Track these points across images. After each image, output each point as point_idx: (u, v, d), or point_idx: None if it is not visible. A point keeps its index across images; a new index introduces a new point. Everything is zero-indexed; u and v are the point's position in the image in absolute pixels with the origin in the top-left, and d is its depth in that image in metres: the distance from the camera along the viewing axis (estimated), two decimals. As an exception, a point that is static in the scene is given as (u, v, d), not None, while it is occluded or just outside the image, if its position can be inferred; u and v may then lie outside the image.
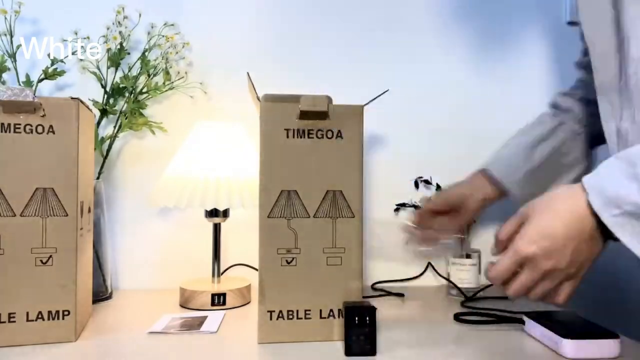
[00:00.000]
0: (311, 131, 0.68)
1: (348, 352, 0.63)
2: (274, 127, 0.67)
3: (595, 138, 0.83)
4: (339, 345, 0.65)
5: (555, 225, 0.55)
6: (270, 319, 0.67)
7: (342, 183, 0.68)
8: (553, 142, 0.84)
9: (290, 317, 0.67)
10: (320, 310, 0.68)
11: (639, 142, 0.60)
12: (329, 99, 0.68)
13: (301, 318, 0.67)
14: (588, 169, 0.86)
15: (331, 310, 0.68)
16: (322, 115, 0.67)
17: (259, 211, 0.67)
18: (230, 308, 0.85)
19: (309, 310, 0.68)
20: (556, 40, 1.09)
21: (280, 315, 0.67)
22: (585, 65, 0.83)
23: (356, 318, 0.63)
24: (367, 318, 0.63)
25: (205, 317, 0.79)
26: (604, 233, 0.54)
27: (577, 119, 0.85)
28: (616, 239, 0.53)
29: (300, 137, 0.68)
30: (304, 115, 0.67)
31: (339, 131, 0.68)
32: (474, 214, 0.87)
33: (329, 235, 0.68)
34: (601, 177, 0.54)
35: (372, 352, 0.63)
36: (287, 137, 0.67)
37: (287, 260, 0.67)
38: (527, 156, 0.83)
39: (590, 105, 0.80)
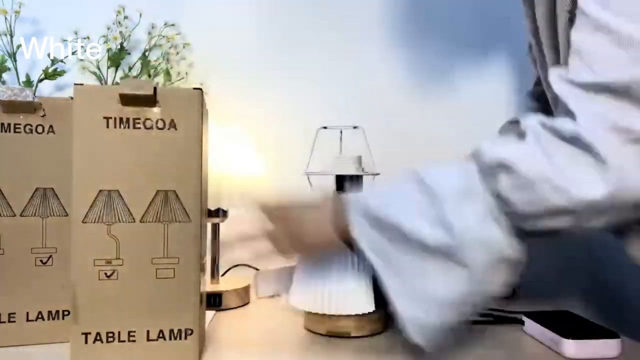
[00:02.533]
0: (137, 121, 0.57)
1: None
2: (90, 115, 0.56)
3: None
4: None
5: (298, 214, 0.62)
6: (86, 342, 0.55)
7: (175, 182, 0.58)
8: None
9: (111, 339, 0.56)
10: (148, 332, 0.57)
11: None
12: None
13: (124, 341, 0.56)
14: None
15: (161, 332, 0.57)
16: (149, 101, 0.56)
17: (71, 215, 0.56)
18: (226, 309, 0.85)
19: (134, 331, 0.57)
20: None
21: (98, 337, 0.56)
22: (537, 96, 0.84)
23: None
24: None
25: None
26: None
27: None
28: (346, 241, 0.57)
29: (124, 128, 0.57)
30: (126, 100, 0.56)
31: (172, 121, 0.58)
32: None
33: (159, 243, 0.57)
34: (366, 191, 0.62)
35: None
36: (107, 126, 0.56)
37: (106, 274, 0.56)
38: None
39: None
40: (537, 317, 0.70)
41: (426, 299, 0.50)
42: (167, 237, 0.58)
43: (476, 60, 1.09)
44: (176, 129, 0.58)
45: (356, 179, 0.79)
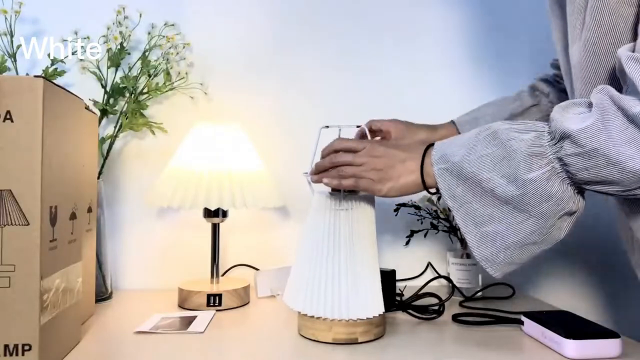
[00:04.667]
0: None
1: None
2: None
3: None
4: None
5: (389, 150, 0.67)
6: None
7: (11, 180, 0.53)
8: (527, 119, 0.85)
9: None
10: None
11: None
12: None
13: None
14: None
15: None
16: None
17: None
18: (226, 309, 0.85)
19: None
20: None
21: None
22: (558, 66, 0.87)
23: None
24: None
25: (194, 317, 0.79)
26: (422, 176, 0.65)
27: (551, 103, 0.87)
28: (428, 186, 0.65)
29: None
30: None
31: (8, 112, 0.53)
32: None
33: None
34: (448, 140, 0.65)
35: None
36: None
37: None
38: None
39: (565, 95, 0.83)
40: (537, 317, 0.70)
41: (494, 241, 0.58)
42: (1, 242, 0.53)
43: (485, 55, 1.09)
44: (12, 121, 0.53)
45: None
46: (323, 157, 0.72)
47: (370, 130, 0.88)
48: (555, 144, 0.55)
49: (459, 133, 0.87)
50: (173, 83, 0.99)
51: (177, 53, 0.99)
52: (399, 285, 1.00)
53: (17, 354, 0.53)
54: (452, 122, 0.90)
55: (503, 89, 1.01)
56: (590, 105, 0.55)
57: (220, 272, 0.93)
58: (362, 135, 0.84)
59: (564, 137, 0.54)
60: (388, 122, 0.87)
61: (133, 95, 0.96)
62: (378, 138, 0.88)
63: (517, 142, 0.57)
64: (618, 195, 0.55)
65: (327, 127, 0.76)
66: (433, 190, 0.65)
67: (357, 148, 0.68)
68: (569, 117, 0.55)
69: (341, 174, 0.68)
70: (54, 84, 0.58)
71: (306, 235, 0.72)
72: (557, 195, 0.55)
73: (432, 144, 0.65)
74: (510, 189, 0.56)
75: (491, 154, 0.58)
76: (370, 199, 0.72)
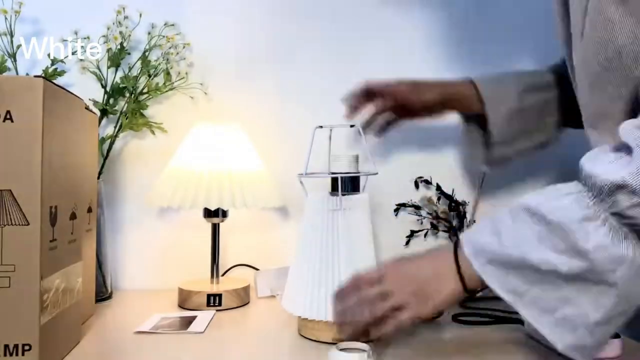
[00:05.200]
0: None
1: None
2: None
3: (569, 119, 0.83)
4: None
5: (413, 266, 0.59)
6: None
7: (11, 180, 0.53)
8: (545, 95, 0.84)
9: None
10: None
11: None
12: None
13: None
14: (549, 141, 0.87)
15: None
16: None
17: None
18: (226, 309, 0.85)
19: None
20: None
21: None
22: (556, 69, 0.86)
23: None
24: None
25: (194, 317, 0.79)
26: (462, 281, 0.56)
27: (567, 89, 0.85)
28: (470, 290, 0.56)
29: None
30: None
31: (8, 112, 0.53)
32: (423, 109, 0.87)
33: None
34: (473, 232, 0.58)
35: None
36: None
37: None
38: (518, 96, 0.83)
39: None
40: (537, 317, 0.70)
41: (575, 324, 0.50)
42: (1, 242, 0.53)
43: (482, 60, 1.09)
44: (12, 121, 0.53)
45: (353, 179, 0.79)
46: (341, 299, 0.62)
47: (370, 93, 0.85)
48: (604, 199, 0.49)
49: (477, 92, 0.83)
50: (173, 83, 0.99)
51: (177, 53, 0.99)
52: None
53: (17, 354, 0.53)
54: (470, 80, 0.85)
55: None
56: (618, 148, 0.51)
57: (220, 272, 0.93)
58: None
59: (613, 189, 0.48)
60: (392, 83, 0.81)
61: (133, 95, 0.96)
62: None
63: (560, 211, 0.51)
64: None
65: (321, 127, 0.76)
66: (480, 292, 0.58)
67: (375, 279, 0.60)
68: (608, 165, 0.49)
69: (375, 316, 0.58)
70: (54, 84, 0.58)
71: (303, 238, 0.72)
72: (628, 255, 0.48)
73: (457, 243, 0.58)
74: (576, 264, 0.49)
75: (537, 233, 0.51)
76: (365, 199, 0.72)
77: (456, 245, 0.57)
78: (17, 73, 0.89)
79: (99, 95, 0.94)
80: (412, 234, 1.03)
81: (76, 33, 0.94)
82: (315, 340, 0.68)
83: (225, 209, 0.90)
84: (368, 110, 0.89)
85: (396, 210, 1.03)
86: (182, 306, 0.86)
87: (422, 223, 1.04)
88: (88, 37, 0.95)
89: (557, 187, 0.53)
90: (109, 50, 0.94)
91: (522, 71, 0.89)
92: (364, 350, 0.59)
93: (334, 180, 0.76)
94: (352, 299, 0.59)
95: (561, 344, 0.51)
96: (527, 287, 0.52)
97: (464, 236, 0.58)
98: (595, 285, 0.49)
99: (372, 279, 0.60)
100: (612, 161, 0.50)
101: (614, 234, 0.49)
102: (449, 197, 1.01)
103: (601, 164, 0.50)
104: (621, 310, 0.50)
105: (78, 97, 0.68)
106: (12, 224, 0.53)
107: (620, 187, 0.47)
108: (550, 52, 0.86)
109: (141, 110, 0.97)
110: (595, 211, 0.49)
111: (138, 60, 0.97)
